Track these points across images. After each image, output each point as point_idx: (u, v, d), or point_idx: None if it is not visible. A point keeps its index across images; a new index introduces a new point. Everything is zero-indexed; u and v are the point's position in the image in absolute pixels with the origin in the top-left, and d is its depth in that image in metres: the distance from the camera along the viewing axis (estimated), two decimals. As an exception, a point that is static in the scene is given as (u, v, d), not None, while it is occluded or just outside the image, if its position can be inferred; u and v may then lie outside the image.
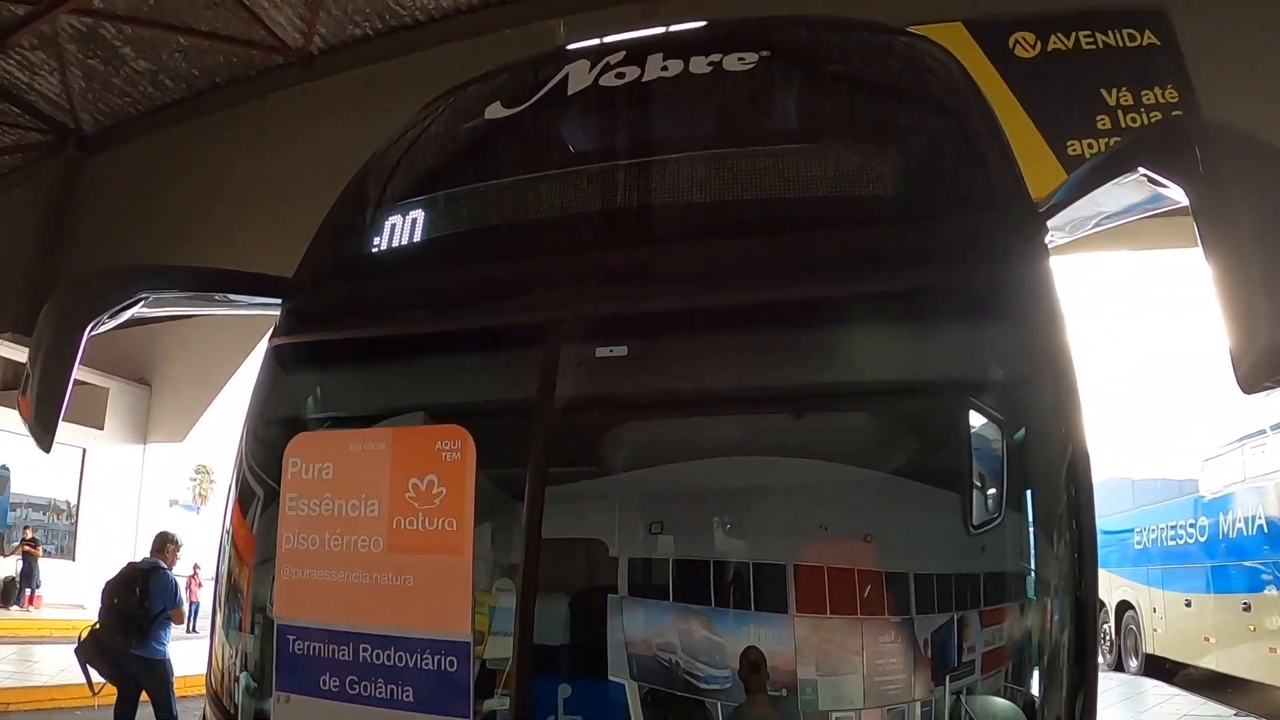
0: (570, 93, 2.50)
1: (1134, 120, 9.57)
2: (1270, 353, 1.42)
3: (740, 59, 2.41)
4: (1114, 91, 9.65)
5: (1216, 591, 9.81)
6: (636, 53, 2.53)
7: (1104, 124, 9.56)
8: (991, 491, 1.97)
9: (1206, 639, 9.92)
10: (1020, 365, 1.95)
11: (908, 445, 2.20)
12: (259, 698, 2.04)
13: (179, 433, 15.26)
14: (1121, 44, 9.86)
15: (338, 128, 11.08)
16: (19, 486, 15.51)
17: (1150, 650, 11.39)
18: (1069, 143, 9.51)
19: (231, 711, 2.08)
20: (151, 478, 16.45)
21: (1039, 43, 10.04)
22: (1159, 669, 11.20)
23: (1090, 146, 9.45)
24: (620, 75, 2.47)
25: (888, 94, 2.59)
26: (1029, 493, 1.89)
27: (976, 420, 2.03)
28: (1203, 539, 10.11)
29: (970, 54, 9.87)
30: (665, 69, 2.45)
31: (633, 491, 2.27)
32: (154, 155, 14.92)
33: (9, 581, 14.52)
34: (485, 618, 1.96)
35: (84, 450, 15.45)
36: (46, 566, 14.85)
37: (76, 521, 15.83)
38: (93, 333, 2.13)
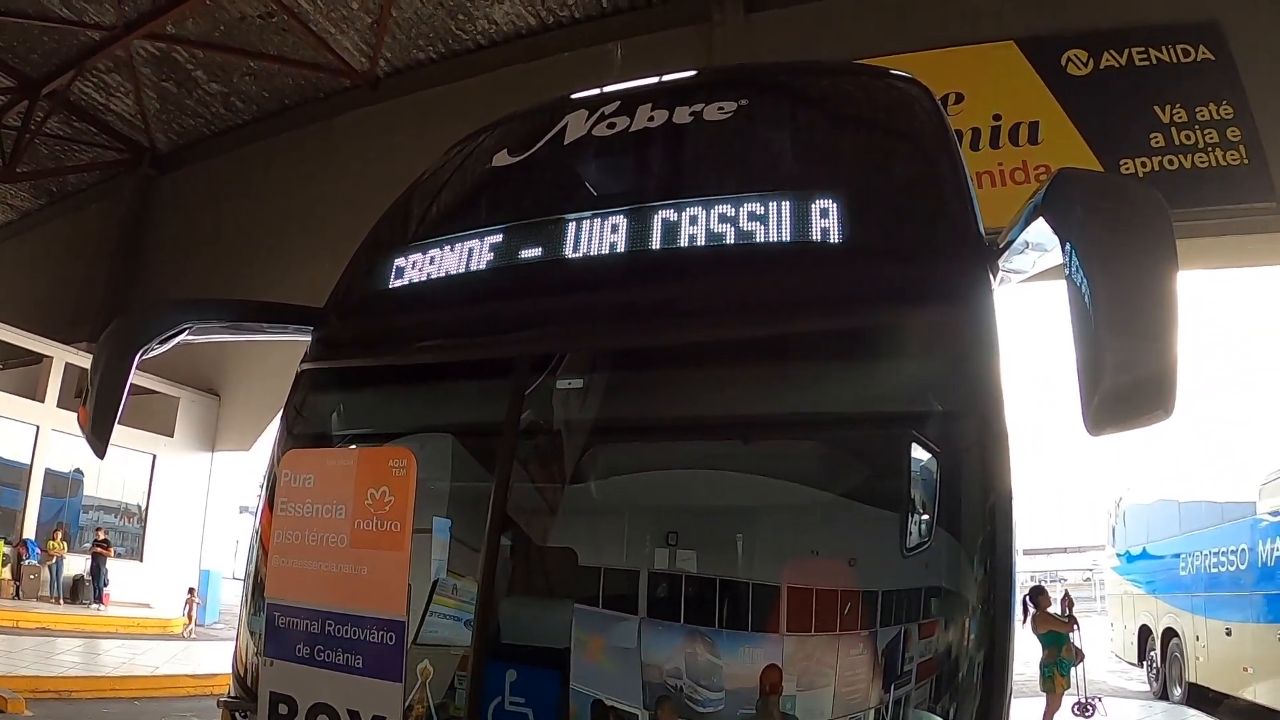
0: (566, 142, 2.73)
1: (1188, 137, 9.29)
2: (1113, 396, 1.49)
3: (720, 109, 2.60)
4: (1168, 108, 9.38)
5: (1257, 620, 9.36)
6: (629, 103, 2.73)
7: (1158, 141, 9.32)
8: (924, 517, 2.09)
9: (1245, 669, 9.51)
10: (954, 398, 2.03)
11: (848, 472, 2.34)
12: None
13: (245, 441, 15.82)
14: (1175, 60, 9.59)
15: (400, 150, 11.36)
16: (91, 489, 16.30)
17: (1193, 679, 10.93)
18: (1122, 161, 9.27)
19: (243, 675, 2.45)
20: (219, 484, 17.12)
21: (1092, 60, 9.82)
22: (1203, 699, 10.80)
23: (1144, 165, 9.21)
24: (611, 125, 2.68)
25: (851, 136, 2.73)
26: (953, 520, 1.97)
27: (907, 449, 2.14)
28: (1244, 565, 9.71)
29: (1023, 73, 9.82)
30: (652, 119, 2.64)
31: (591, 506, 2.55)
32: (224, 174, 15.65)
33: (78, 580, 15.13)
34: (455, 602, 2.40)
35: (154, 456, 16.14)
36: (115, 566, 15.49)
37: (145, 524, 16.53)
38: (143, 358, 2.45)
